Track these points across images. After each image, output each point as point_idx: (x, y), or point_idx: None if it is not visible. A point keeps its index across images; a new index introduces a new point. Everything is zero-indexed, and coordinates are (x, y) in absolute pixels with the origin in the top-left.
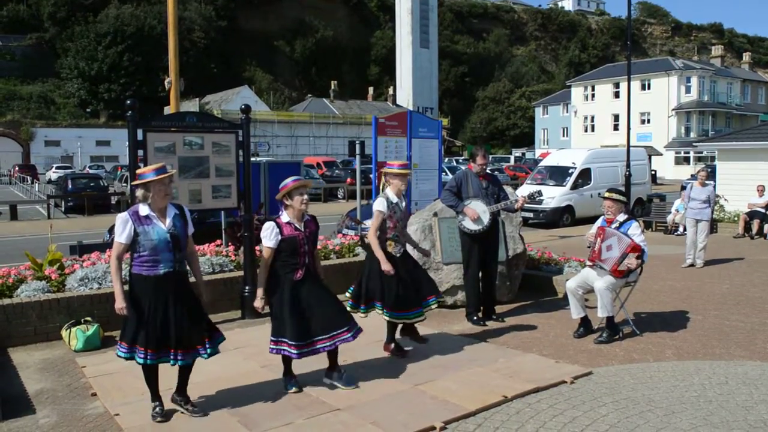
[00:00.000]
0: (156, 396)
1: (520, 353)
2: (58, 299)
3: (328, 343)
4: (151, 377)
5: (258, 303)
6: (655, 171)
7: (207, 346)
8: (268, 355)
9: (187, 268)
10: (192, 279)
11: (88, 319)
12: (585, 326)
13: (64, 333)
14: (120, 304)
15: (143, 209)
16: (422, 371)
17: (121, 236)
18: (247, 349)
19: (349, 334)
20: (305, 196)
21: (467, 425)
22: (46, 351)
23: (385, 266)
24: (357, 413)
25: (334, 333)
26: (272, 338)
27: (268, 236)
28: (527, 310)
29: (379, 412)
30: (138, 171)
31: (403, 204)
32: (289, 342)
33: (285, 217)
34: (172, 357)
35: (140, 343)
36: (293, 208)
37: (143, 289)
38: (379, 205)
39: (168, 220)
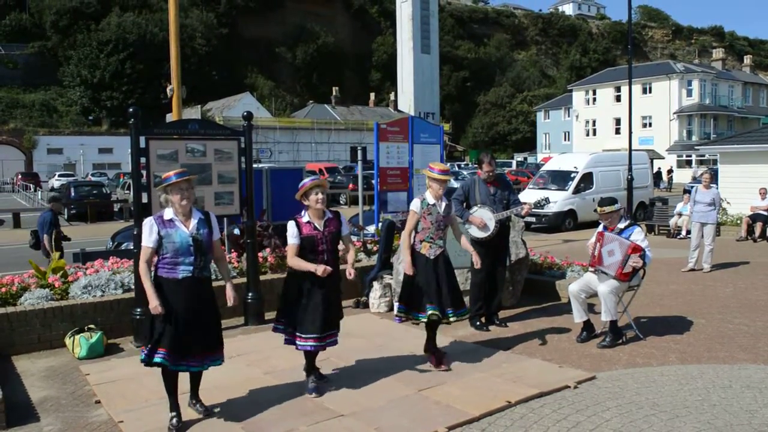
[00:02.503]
0: (174, 406)
1: (523, 358)
2: (61, 307)
3: (331, 340)
4: (170, 384)
5: (320, 269)
6: (672, 173)
7: (214, 357)
8: (272, 361)
9: (210, 274)
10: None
11: (92, 326)
12: (588, 330)
13: (67, 341)
14: (153, 303)
15: (167, 213)
16: (426, 376)
17: (148, 240)
18: (250, 356)
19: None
20: (320, 195)
21: (471, 430)
22: (49, 359)
23: (408, 270)
24: (361, 419)
25: (334, 332)
26: (299, 334)
27: (291, 234)
28: (530, 315)
29: (383, 417)
30: (163, 176)
31: (443, 206)
32: (310, 336)
33: (305, 216)
34: (184, 363)
35: (163, 345)
36: (311, 207)
37: (162, 292)
38: (413, 205)
39: (192, 224)
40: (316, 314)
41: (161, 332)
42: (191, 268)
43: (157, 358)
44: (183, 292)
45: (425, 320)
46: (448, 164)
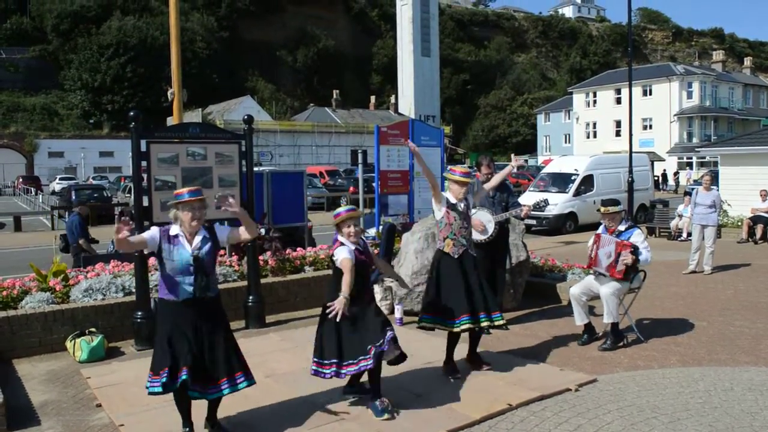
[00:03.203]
0: (187, 422)
1: (524, 361)
2: (62, 310)
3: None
4: (181, 403)
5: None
6: (678, 175)
7: (231, 382)
8: (272, 364)
9: (215, 294)
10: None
11: (93, 330)
12: (589, 333)
13: (68, 344)
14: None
15: (174, 229)
16: (426, 379)
17: (148, 234)
18: (251, 359)
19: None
20: (353, 228)
21: None
22: (50, 362)
23: None
24: (363, 422)
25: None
26: (340, 361)
27: (348, 252)
28: (531, 318)
29: (385, 420)
30: (175, 192)
31: (462, 206)
32: (362, 357)
33: (348, 243)
34: (184, 385)
35: (154, 371)
36: (344, 236)
37: (165, 315)
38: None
39: (195, 242)
40: (362, 334)
41: (163, 359)
42: (191, 288)
43: (153, 388)
44: (187, 315)
45: (458, 329)
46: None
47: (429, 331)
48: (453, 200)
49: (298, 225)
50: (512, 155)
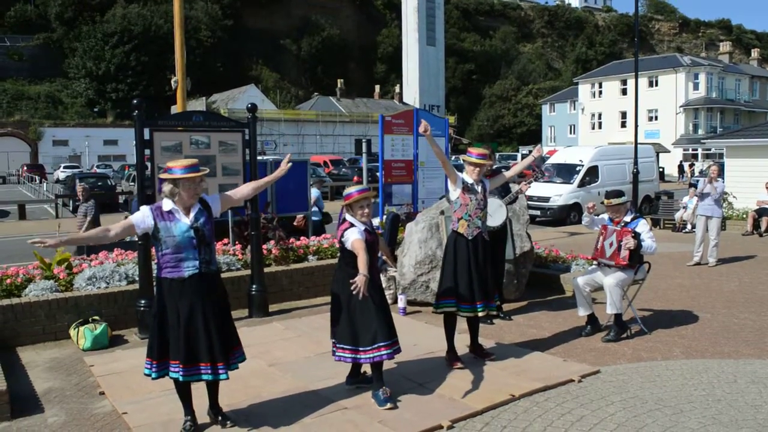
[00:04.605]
0: (189, 410)
1: (527, 352)
2: (66, 298)
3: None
4: (184, 392)
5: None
6: (693, 166)
7: (232, 360)
8: (276, 353)
9: (217, 269)
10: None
11: (96, 318)
12: (592, 324)
13: (72, 332)
14: (54, 240)
15: (167, 204)
16: (429, 370)
17: (137, 218)
18: (254, 348)
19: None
20: (366, 210)
21: (474, 424)
22: (54, 350)
23: None
24: (365, 412)
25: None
26: (364, 348)
27: (359, 232)
28: (535, 309)
29: (386, 410)
30: (168, 164)
31: (479, 188)
32: (381, 344)
33: (359, 224)
34: (203, 372)
35: (173, 357)
36: (356, 217)
37: (169, 294)
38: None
39: (191, 215)
40: (376, 321)
41: (174, 343)
42: (197, 263)
43: (173, 374)
44: (189, 291)
45: (469, 315)
46: (453, 157)
47: (443, 315)
48: (470, 180)
49: (301, 214)
50: (537, 145)
